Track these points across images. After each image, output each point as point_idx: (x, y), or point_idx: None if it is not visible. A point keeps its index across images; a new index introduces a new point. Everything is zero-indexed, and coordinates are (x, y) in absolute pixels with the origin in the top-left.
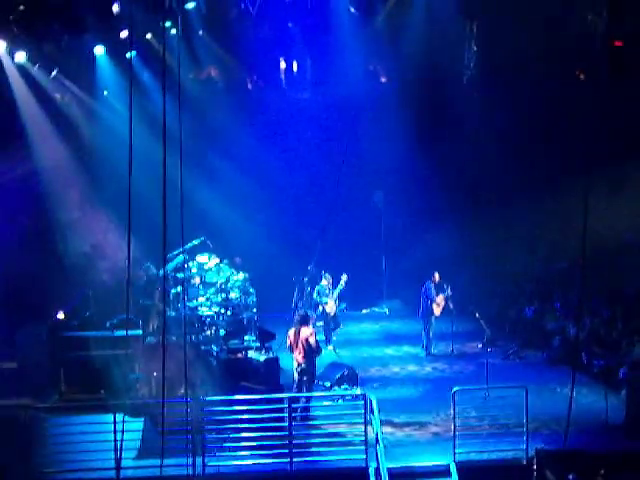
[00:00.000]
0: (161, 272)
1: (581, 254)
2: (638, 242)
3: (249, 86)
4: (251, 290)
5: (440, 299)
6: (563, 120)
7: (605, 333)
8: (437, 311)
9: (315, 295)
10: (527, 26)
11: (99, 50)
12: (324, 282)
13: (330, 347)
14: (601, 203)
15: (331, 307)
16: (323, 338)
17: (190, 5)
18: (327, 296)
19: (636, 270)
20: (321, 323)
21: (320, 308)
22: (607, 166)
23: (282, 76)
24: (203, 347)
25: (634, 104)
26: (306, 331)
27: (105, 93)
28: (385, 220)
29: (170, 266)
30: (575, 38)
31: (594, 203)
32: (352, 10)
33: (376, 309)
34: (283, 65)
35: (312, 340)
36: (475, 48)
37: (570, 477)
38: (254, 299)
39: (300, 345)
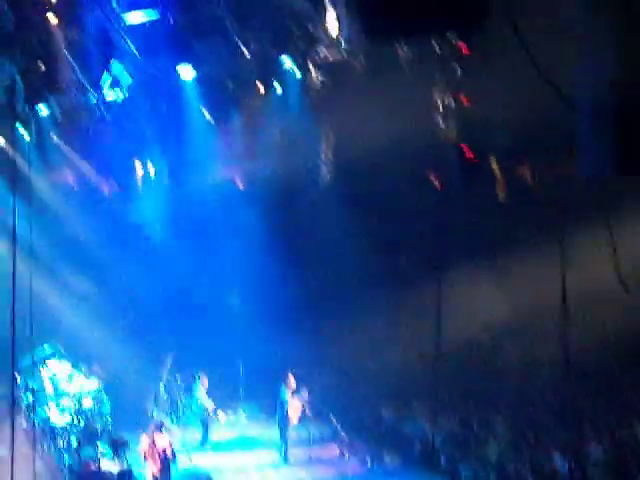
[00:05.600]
0: None
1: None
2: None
3: (105, 191)
4: (105, 397)
5: (297, 404)
6: (418, 224)
7: (460, 434)
8: (294, 417)
9: (198, 398)
10: (381, 135)
11: None
12: (203, 385)
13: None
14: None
15: (211, 409)
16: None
17: (44, 112)
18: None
19: (489, 370)
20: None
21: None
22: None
23: (139, 180)
24: (55, 459)
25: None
26: (162, 440)
27: None
28: (241, 322)
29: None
30: (428, 148)
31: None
32: (207, 116)
33: (234, 414)
34: (140, 169)
35: (169, 451)
36: (329, 156)
37: None
38: (108, 406)
39: (156, 455)
